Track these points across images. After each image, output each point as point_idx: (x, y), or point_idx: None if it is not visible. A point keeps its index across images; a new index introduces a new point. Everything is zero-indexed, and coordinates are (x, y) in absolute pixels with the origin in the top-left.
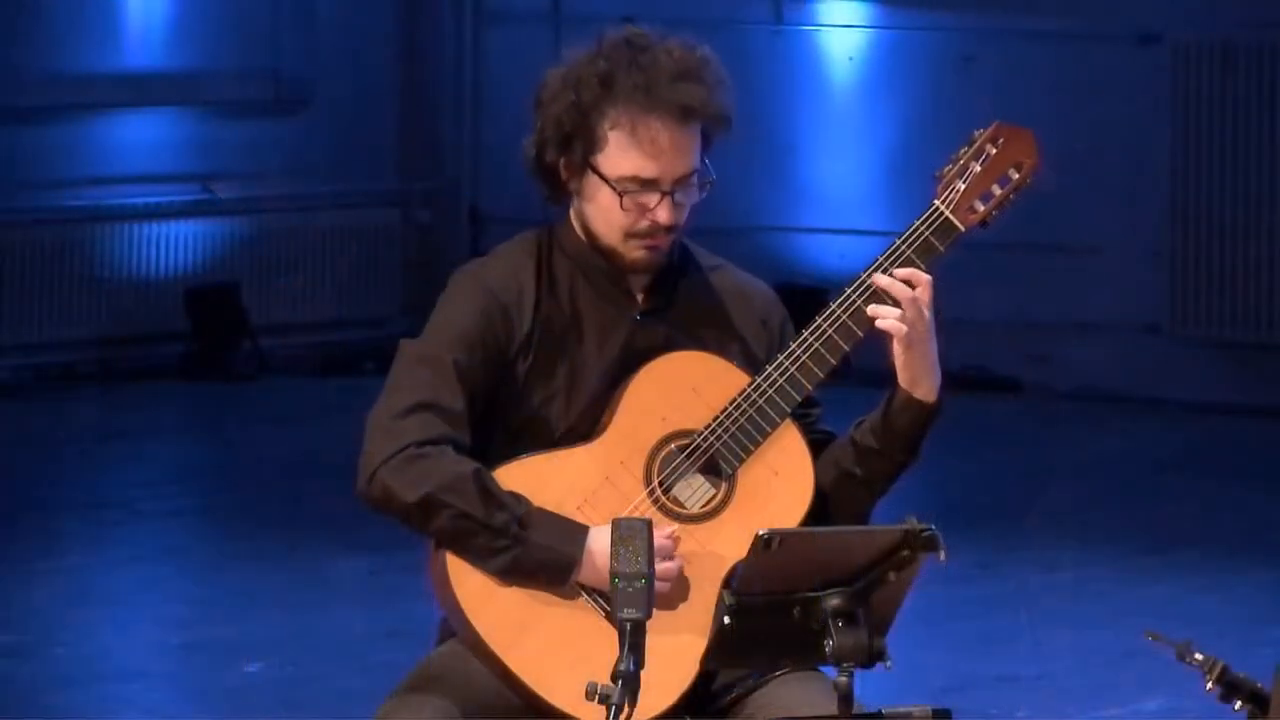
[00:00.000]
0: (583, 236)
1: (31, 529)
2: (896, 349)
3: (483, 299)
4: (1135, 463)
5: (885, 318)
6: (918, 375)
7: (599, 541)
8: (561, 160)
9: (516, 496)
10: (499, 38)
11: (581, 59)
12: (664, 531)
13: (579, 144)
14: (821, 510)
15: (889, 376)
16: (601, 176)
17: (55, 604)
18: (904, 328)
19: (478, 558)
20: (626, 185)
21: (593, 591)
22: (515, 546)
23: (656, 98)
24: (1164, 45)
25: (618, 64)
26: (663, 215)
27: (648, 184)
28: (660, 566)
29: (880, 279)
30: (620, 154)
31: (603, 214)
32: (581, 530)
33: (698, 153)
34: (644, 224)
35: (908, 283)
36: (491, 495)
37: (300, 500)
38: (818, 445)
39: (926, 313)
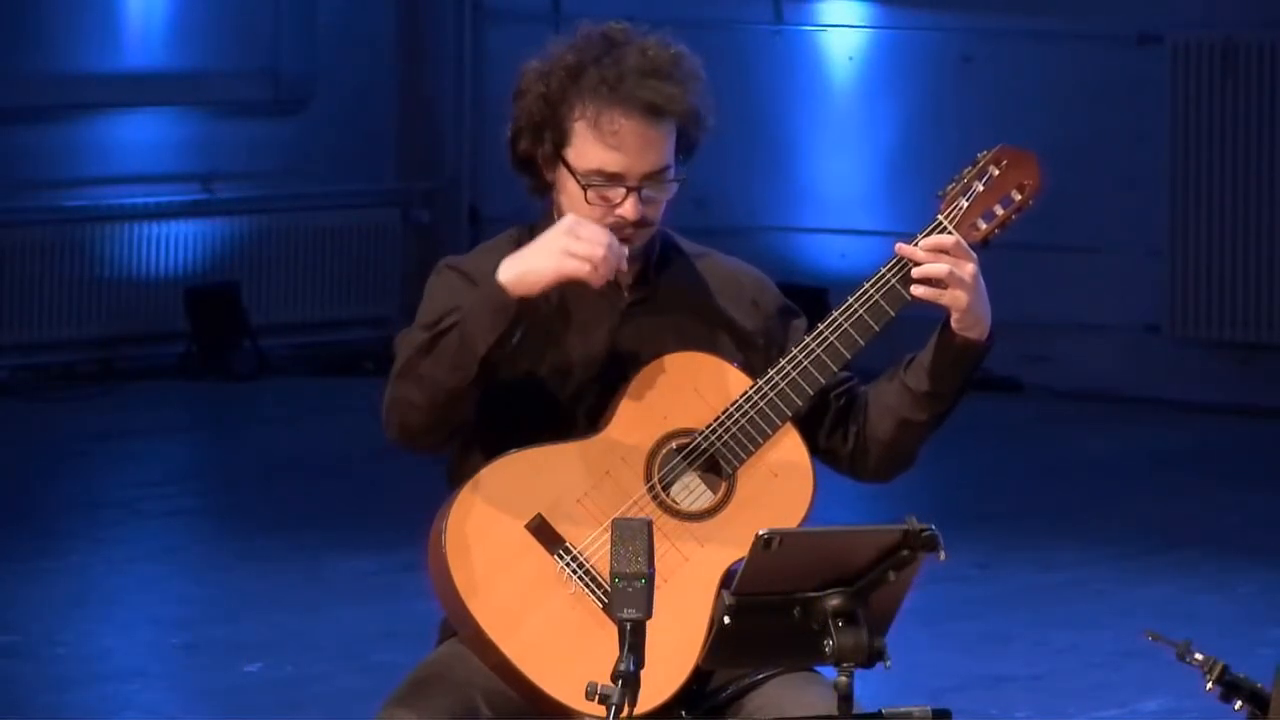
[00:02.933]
0: None
1: (31, 529)
2: (955, 314)
3: (464, 282)
4: (1135, 463)
5: (933, 284)
6: (974, 322)
7: (506, 260)
8: (537, 151)
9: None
10: (499, 38)
11: (556, 52)
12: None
13: (549, 135)
14: (881, 456)
15: (894, 355)
16: (569, 169)
17: (55, 604)
18: (956, 292)
19: (448, 367)
20: (591, 179)
21: (588, 581)
22: (459, 325)
23: (622, 93)
24: (1164, 45)
25: (587, 57)
26: (628, 211)
27: (613, 178)
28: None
29: (907, 250)
30: (585, 147)
31: (572, 206)
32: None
33: (670, 150)
34: (610, 219)
35: (939, 248)
36: (431, 324)
37: (300, 500)
38: (847, 395)
39: (969, 270)
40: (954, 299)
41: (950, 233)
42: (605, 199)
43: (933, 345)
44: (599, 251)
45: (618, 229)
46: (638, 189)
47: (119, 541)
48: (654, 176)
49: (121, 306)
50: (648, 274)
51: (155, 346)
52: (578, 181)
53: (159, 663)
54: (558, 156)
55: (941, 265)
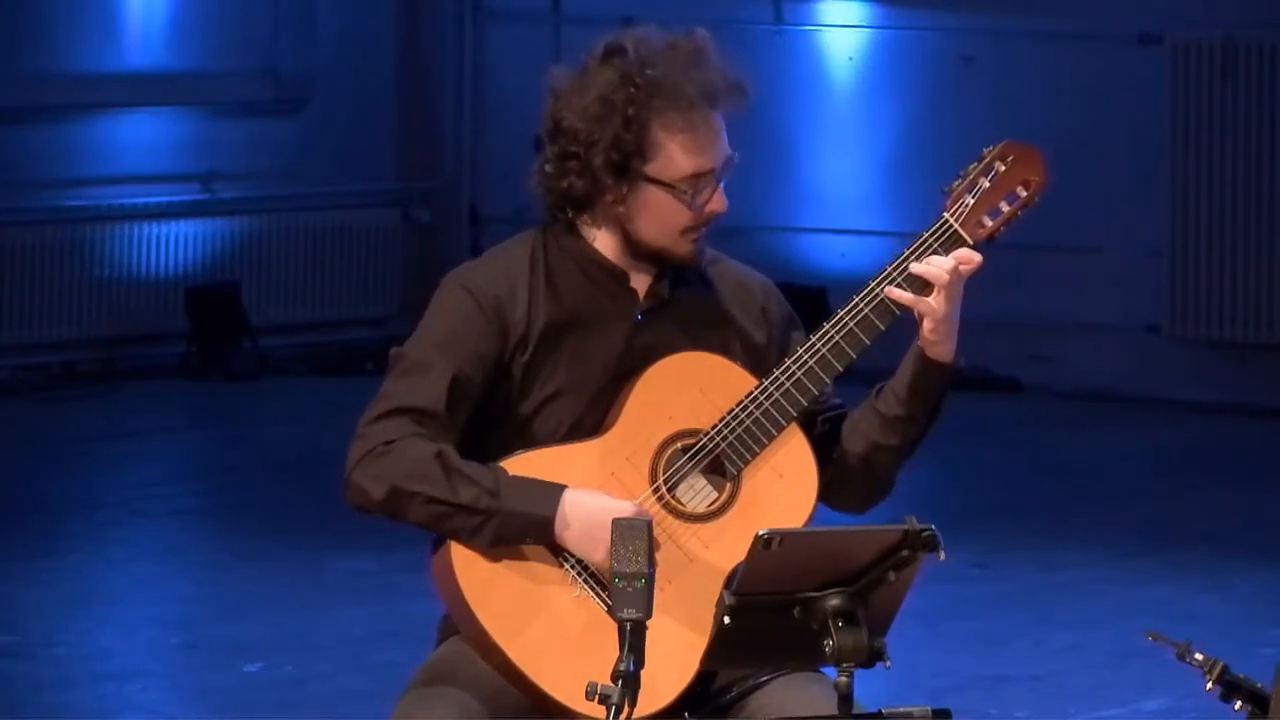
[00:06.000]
0: (588, 239)
1: (31, 529)
2: (928, 323)
3: (472, 302)
4: (1135, 463)
5: (915, 303)
6: (942, 339)
7: (576, 499)
8: (609, 181)
9: (488, 468)
10: (499, 38)
11: (607, 77)
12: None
13: (635, 160)
14: (854, 481)
15: (900, 355)
16: (660, 183)
17: (55, 604)
18: (940, 308)
19: (462, 537)
20: (689, 184)
21: (593, 584)
22: (492, 518)
23: (693, 93)
24: (1164, 45)
25: (649, 69)
26: (718, 204)
27: (704, 176)
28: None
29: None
30: (678, 155)
31: (661, 218)
32: (556, 489)
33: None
34: (701, 217)
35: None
36: (456, 472)
37: (300, 500)
38: (837, 422)
39: (960, 287)
40: (931, 308)
41: (960, 237)
42: (697, 200)
43: (902, 369)
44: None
45: (703, 226)
46: (720, 180)
47: (119, 541)
48: (729, 163)
49: (121, 306)
50: (663, 282)
51: (155, 346)
52: (675, 189)
53: (159, 663)
54: (640, 177)
55: (944, 275)
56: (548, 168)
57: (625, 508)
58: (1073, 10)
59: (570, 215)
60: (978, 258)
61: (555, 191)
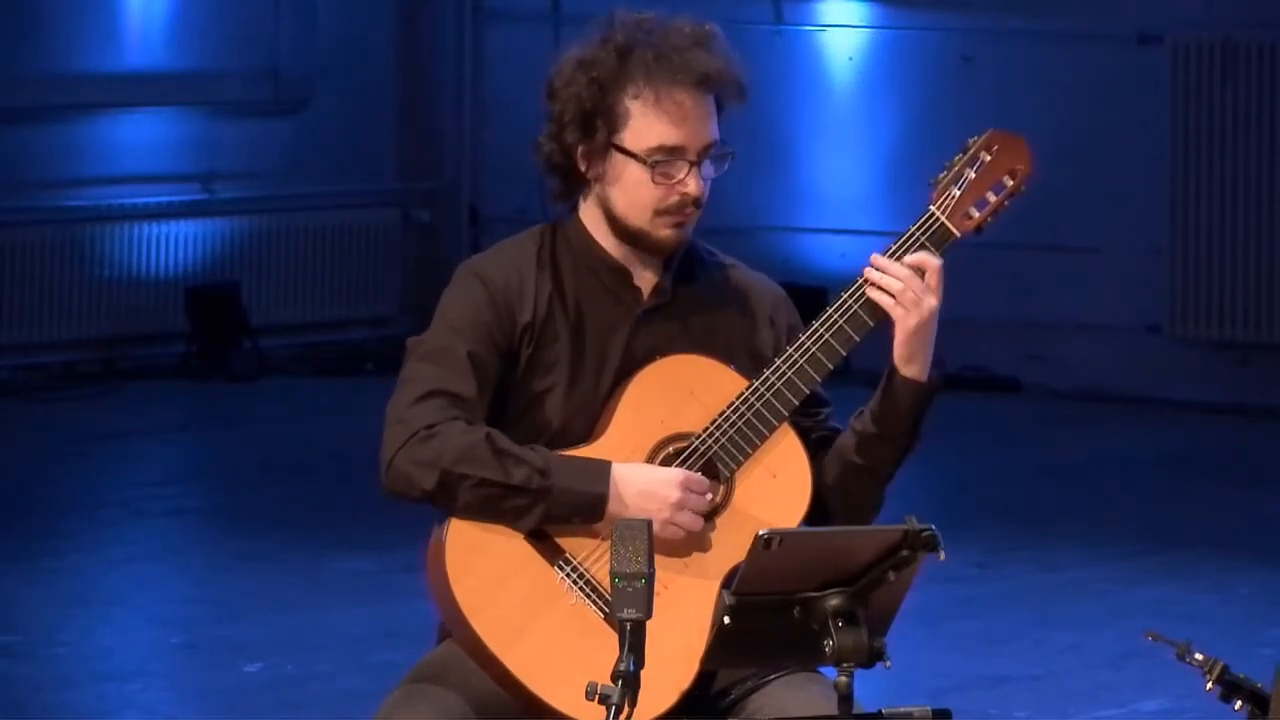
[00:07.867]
0: (591, 232)
1: (31, 529)
2: (898, 329)
3: (485, 290)
4: (1135, 463)
5: (886, 295)
6: (913, 354)
7: (624, 474)
8: (581, 147)
9: (533, 448)
10: (499, 38)
11: (593, 42)
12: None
13: (600, 123)
14: (834, 504)
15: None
16: (628, 153)
17: (55, 604)
18: (906, 312)
19: (510, 520)
20: (655, 156)
21: (589, 592)
22: (543, 498)
23: (677, 66)
24: (1164, 45)
25: (633, 38)
26: (691, 186)
27: (675, 152)
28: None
29: (884, 261)
30: (646, 125)
31: (631, 193)
32: (604, 466)
33: (716, 123)
34: (673, 198)
35: (918, 268)
36: (507, 454)
37: (299, 500)
38: (827, 442)
39: (932, 296)
40: (902, 315)
41: (948, 230)
42: (668, 177)
43: (879, 388)
44: (696, 527)
45: (680, 209)
46: (698, 163)
47: (119, 541)
48: (709, 150)
49: (121, 306)
50: (666, 281)
51: (155, 346)
52: (642, 161)
53: (159, 663)
54: (609, 144)
55: (896, 282)
56: (540, 136)
57: (671, 475)
58: (1073, 10)
59: (563, 190)
60: (936, 262)
61: (542, 160)
